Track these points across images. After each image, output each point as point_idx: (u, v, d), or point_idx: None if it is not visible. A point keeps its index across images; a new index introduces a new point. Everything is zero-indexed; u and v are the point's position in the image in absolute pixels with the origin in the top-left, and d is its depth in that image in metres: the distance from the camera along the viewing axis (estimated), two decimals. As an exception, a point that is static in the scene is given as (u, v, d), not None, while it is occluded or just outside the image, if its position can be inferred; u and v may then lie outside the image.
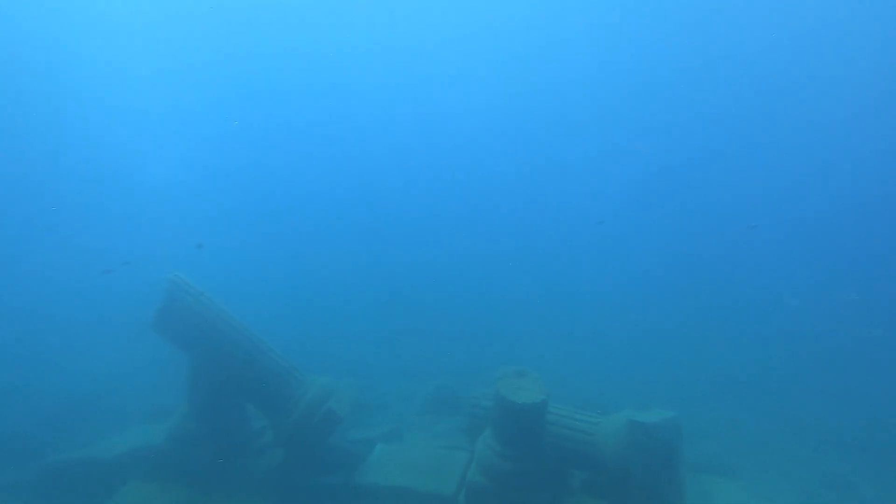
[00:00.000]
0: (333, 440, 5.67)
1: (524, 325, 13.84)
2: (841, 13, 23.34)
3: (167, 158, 27.85)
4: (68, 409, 8.30)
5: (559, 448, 5.11)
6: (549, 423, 5.04)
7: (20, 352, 11.15)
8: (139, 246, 19.36)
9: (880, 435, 7.79)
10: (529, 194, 28.71)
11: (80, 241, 19.83)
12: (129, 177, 25.48)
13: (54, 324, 13.11)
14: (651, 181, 27.82)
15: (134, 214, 22.74)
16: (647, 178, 28.04)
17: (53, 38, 26.57)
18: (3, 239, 19.37)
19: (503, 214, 27.24)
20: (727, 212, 24.49)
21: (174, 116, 29.92)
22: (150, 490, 4.96)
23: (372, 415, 7.93)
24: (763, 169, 26.19)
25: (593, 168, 30.15)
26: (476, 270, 19.96)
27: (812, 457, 7.07)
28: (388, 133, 31.38)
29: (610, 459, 4.85)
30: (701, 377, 10.57)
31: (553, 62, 29.55)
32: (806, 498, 5.74)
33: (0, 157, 23.00)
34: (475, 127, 31.13)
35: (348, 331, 13.31)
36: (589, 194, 28.44)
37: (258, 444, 5.61)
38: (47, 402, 8.49)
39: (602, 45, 28.50)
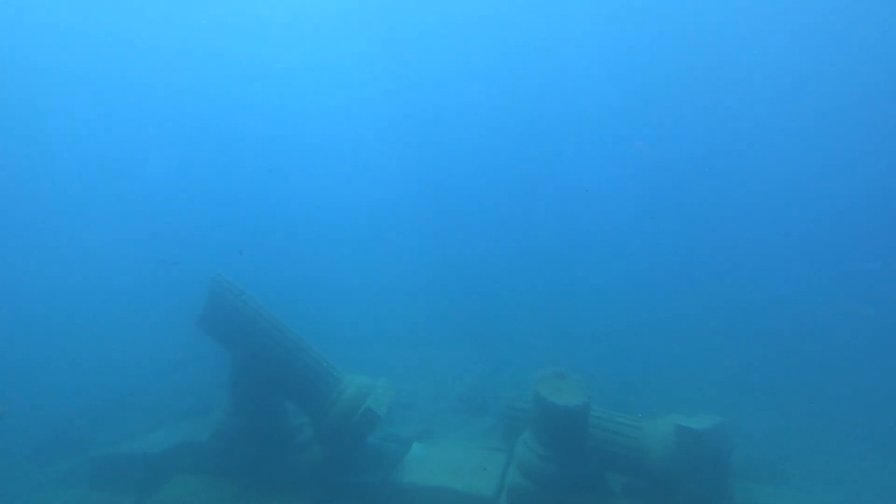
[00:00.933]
0: (370, 439, 5.70)
1: (542, 326, 13.71)
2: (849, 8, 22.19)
3: (182, 158, 28.14)
4: (105, 405, 8.61)
5: (601, 451, 5.01)
6: (590, 426, 4.96)
7: (53, 350, 11.60)
8: (168, 246, 19.90)
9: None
10: (541, 195, 28.47)
11: (110, 240, 20.49)
12: (138, 177, 25.83)
13: (85, 323, 13.62)
14: (664, 181, 27.17)
15: (155, 215, 23.29)
16: (663, 178, 27.42)
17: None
18: (35, 241, 20.08)
19: (514, 216, 27.07)
20: (742, 211, 23.70)
21: (178, 117, 30.06)
22: (196, 484, 5.07)
23: (402, 415, 7.94)
24: (776, 167, 25.14)
25: (604, 168, 29.68)
26: (491, 273, 19.88)
27: (863, 465, 6.75)
28: (403, 134, 31.36)
29: (656, 464, 4.74)
30: (733, 380, 10.25)
31: (553, 61, 29.04)
32: (861, 508, 5.49)
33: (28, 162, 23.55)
34: (487, 129, 30.87)
35: (374, 331, 13.40)
36: (601, 194, 28.03)
37: (298, 441, 5.68)
38: (85, 399, 8.82)
39: (603, 43, 27.90)
